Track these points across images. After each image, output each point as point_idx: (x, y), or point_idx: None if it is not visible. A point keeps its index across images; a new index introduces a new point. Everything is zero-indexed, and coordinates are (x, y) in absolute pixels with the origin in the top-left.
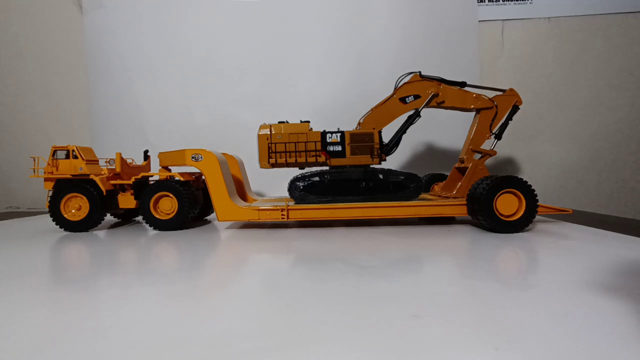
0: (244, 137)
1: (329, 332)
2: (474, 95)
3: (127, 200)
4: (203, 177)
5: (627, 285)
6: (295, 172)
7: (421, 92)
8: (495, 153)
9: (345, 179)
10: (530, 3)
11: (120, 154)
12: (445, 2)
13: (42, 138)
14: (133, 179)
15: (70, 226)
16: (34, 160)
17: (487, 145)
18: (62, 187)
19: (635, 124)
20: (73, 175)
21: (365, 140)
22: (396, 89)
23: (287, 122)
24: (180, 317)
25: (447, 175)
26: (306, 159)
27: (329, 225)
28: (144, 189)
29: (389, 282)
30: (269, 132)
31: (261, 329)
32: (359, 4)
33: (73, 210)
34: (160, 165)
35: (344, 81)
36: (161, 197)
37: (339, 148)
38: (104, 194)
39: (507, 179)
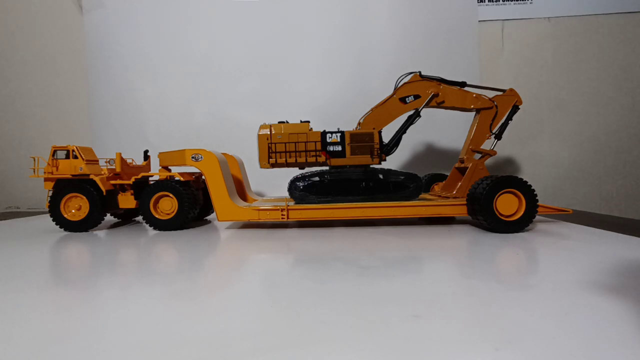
0: (244, 137)
1: (329, 332)
2: (474, 95)
3: (127, 200)
4: (203, 177)
5: (627, 285)
6: (295, 172)
7: (421, 92)
8: (495, 153)
9: (345, 179)
10: (530, 3)
11: (120, 154)
12: (445, 2)
13: (42, 138)
14: (133, 179)
15: (70, 226)
16: (34, 160)
17: (487, 145)
18: (62, 187)
19: (635, 124)
20: (73, 175)
21: (365, 140)
22: (396, 89)
23: (287, 122)
24: (180, 317)
25: (447, 175)
26: (306, 159)
27: (329, 225)
28: (144, 189)
29: (389, 282)
30: (269, 132)
31: (261, 329)
32: (359, 4)
33: (73, 210)
34: (160, 165)
35: (344, 81)
36: (161, 197)
37: (339, 148)
38: (104, 194)
39: (507, 179)
